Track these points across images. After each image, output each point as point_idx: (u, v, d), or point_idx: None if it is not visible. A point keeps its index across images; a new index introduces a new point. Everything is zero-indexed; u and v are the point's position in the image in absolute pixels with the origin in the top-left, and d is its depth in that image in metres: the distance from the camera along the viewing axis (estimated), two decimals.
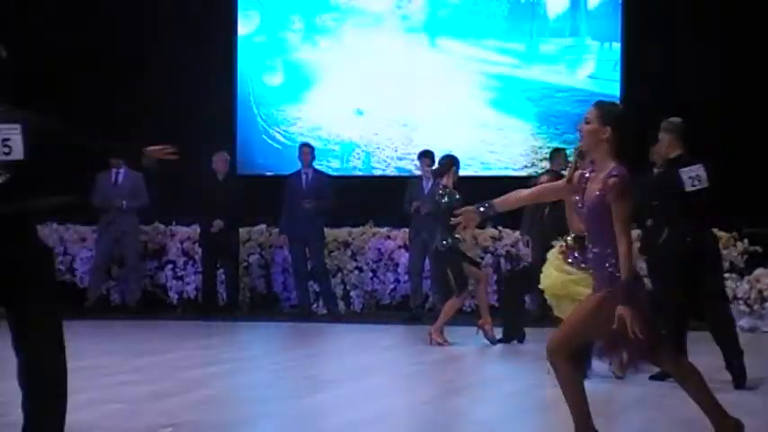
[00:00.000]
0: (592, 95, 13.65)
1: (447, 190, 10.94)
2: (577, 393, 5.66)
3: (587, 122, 5.47)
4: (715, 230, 13.20)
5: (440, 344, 10.82)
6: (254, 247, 14.32)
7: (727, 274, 12.89)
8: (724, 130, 13.39)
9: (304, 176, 13.65)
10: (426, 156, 13.00)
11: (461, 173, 11.28)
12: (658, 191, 8.49)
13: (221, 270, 13.99)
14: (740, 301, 12.57)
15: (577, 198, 5.52)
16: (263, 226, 14.38)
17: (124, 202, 13.73)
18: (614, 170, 5.34)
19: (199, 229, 14.03)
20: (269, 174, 14.94)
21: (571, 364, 5.58)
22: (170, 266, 14.40)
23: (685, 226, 8.24)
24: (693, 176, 8.32)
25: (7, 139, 5.05)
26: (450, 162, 11.13)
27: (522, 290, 11.15)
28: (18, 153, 5.05)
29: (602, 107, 5.50)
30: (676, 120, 8.65)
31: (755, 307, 12.56)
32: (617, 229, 5.32)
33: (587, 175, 5.51)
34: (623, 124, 5.44)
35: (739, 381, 8.41)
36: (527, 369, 8.75)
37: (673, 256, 8.24)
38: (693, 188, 8.29)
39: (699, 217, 8.31)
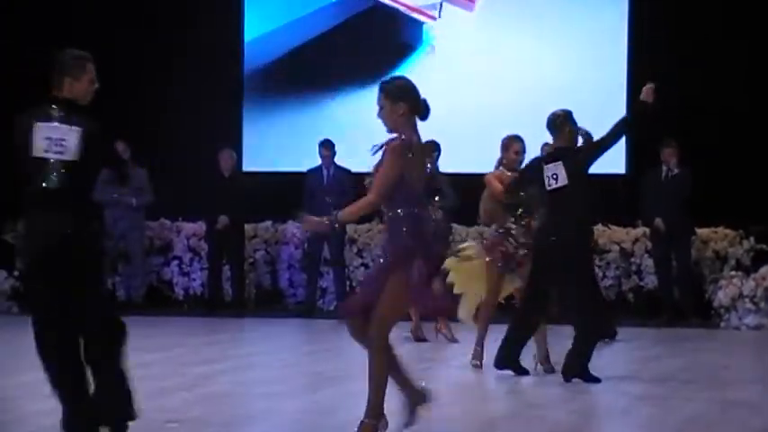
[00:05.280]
0: None
1: (432, 171, 10.98)
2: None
3: (382, 107, 5.75)
4: (721, 228, 13.30)
5: (448, 339, 10.81)
6: (259, 244, 14.33)
7: (733, 272, 12.91)
8: (732, 128, 13.38)
9: (325, 172, 13.61)
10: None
11: None
12: None
13: (227, 266, 14.01)
14: (746, 299, 12.57)
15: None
16: (269, 222, 14.39)
17: (134, 200, 13.72)
18: (401, 136, 5.68)
19: (205, 226, 14.05)
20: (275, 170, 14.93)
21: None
22: (176, 262, 14.42)
23: None
24: None
25: (63, 140, 5.45)
26: (432, 147, 11.09)
27: None
28: (70, 154, 5.45)
29: (386, 87, 5.78)
30: None
31: (761, 305, 12.54)
32: (374, 183, 5.74)
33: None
34: (410, 92, 5.75)
35: None
36: (531, 366, 8.74)
37: None
38: None
39: None
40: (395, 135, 5.75)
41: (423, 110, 5.79)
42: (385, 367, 5.76)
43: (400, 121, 5.73)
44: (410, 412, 5.97)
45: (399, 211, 5.71)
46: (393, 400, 6.76)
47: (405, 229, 5.69)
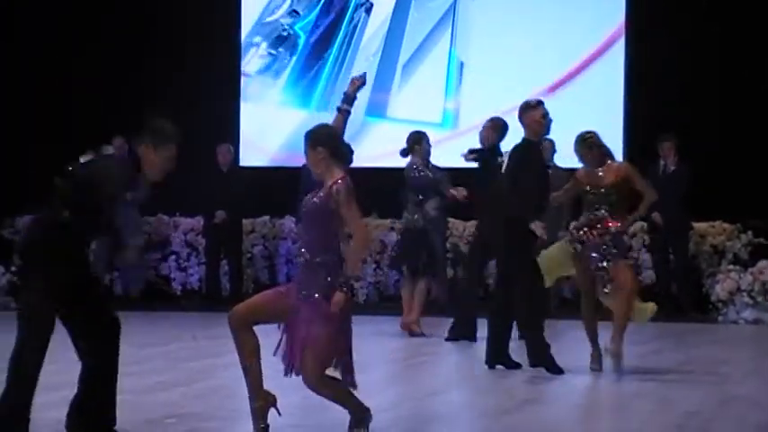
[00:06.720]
0: None
1: (418, 167, 10.89)
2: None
3: (307, 155, 5.91)
4: (718, 222, 13.30)
5: (417, 335, 10.76)
6: (257, 239, 14.33)
7: (730, 266, 12.92)
8: (730, 122, 13.38)
9: None
10: None
11: None
12: None
13: (225, 261, 14.00)
14: (744, 293, 12.57)
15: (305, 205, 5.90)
16: (267, 217, 14.39)
17: (128, 194, 13.66)
18: (338, 177, 5.77)
19: (202, 221, 14.05)
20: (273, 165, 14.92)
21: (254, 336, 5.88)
22: (174, 258, 14.41)
23: None
24: None
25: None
26: (415, 138, 11.01)
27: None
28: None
29: (307, 134, 5.96)
30: None
31: (759, 299, 12.54)
32: (353, 228, 5.79)
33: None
34: (329, 138, 5.93)
35: None
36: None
37: None
38: None
39: None
40: (339, 178, 5.79)
41: (343, 154, 5.95)
42: (340, 388, 5.90)
43: (322, 164, 5.85)
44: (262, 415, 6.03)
45: (319, 259, 5.77)
46: (396, 390, 6.78)
47: (328, 278, 5.74)
